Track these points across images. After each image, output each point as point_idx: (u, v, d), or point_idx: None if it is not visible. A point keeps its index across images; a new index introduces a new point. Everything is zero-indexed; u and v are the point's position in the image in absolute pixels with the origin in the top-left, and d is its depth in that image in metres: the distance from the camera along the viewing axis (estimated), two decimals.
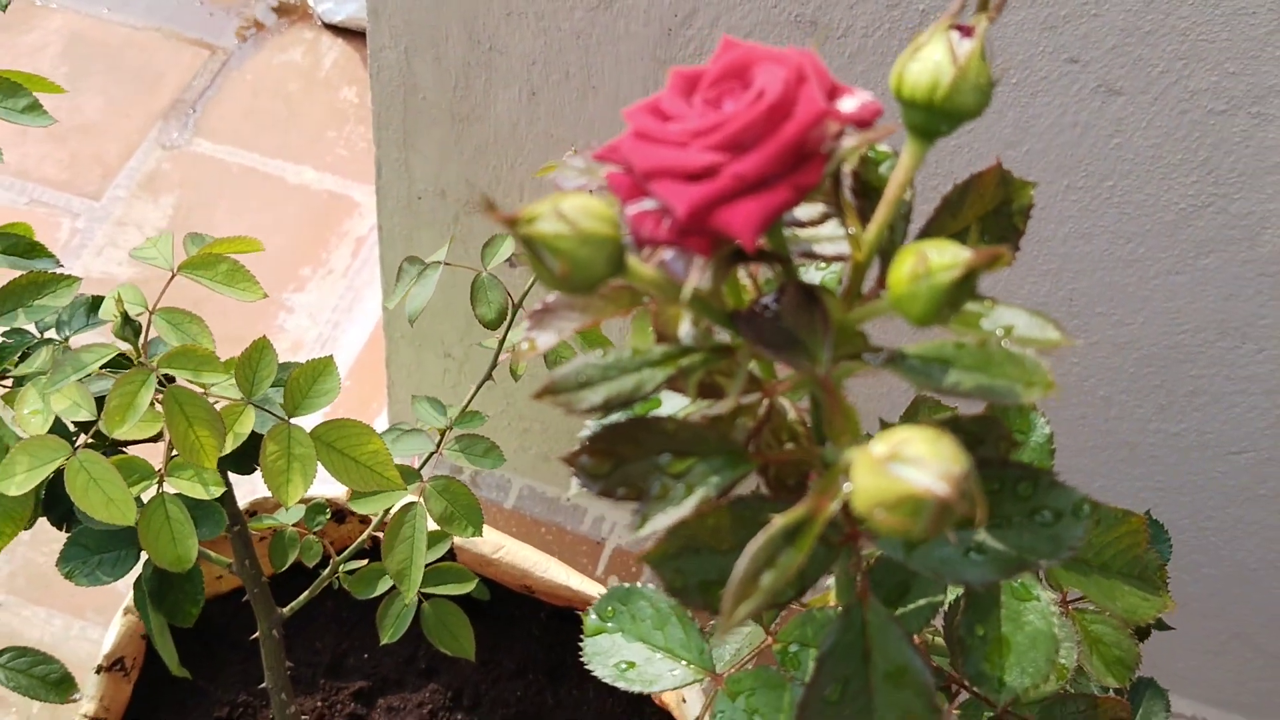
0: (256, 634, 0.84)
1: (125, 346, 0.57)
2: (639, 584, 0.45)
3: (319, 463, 0.63)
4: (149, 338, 0.65)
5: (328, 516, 0.85)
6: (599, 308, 0.32)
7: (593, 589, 1.00)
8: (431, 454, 0.81)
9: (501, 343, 0.81)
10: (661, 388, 0.31)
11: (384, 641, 0.82)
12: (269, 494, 0.93)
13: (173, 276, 0.61)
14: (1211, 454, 1.11)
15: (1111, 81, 0.89)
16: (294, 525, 0.85)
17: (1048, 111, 0.92)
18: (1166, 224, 0.95)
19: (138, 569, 0.71)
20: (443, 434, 0.81)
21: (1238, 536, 1.18)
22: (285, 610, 0.85)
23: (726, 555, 0.29)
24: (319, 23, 1.90)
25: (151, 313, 0.60)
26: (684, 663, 0.42)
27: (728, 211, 0.28)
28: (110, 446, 0.65)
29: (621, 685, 0.43)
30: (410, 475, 0.77)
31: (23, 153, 1.73)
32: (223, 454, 0.60)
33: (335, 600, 1.03)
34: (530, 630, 1.04)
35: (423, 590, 0.83)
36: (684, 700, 0.94)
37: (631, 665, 0.43)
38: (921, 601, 0.37)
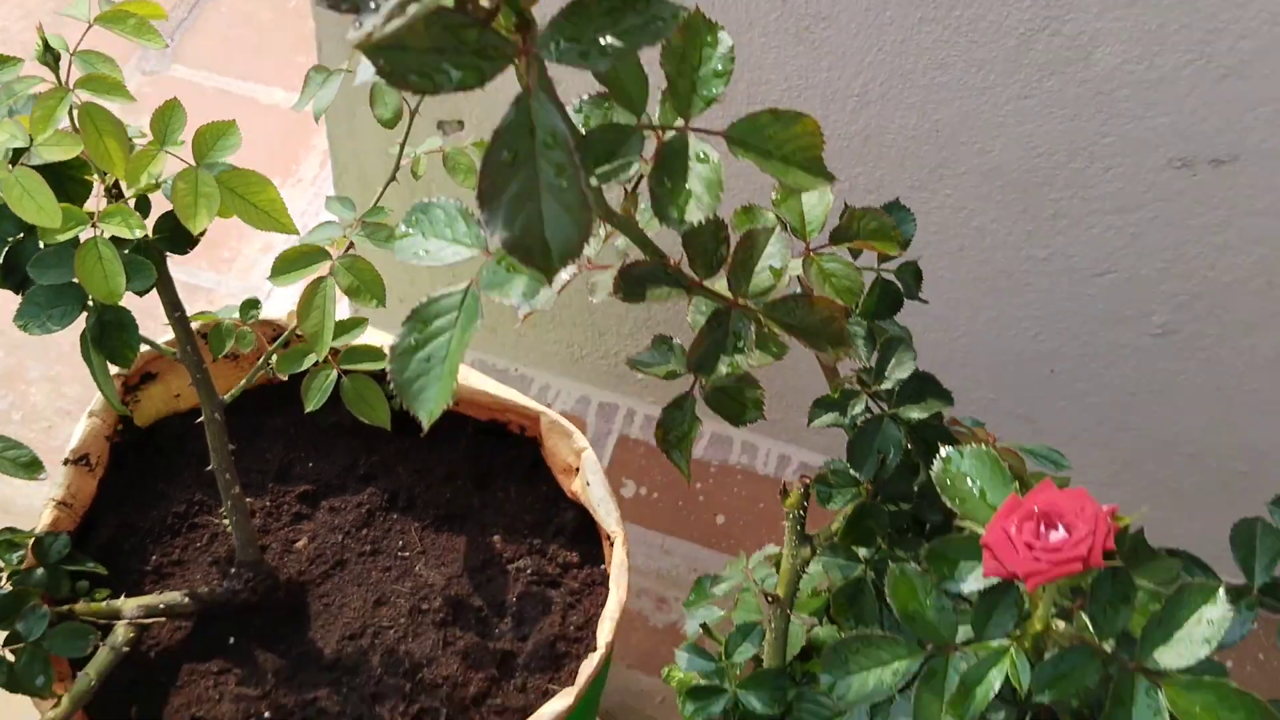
0: (202, 418, 0.96)
1: (50, 77, 0.69)
2: (433, 199, 0.57)
3: (225, 205, 0.75)
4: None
5: (260, 310, 0.97)
6: None
7: (509, 395, 1.12)
8: (347, 246, 0.92)
9: (402, 146, 0.93)
10: None
11: (308, 409, 0.94)
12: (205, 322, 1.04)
13: (89, 27, 0.73)
14: (1079, 277, 1.21)
15: None
16: (231, 320, 0.97)
17: None
18: (1010, 49, 1.06)
19: (80, 322, 0.83)
20: (353, 226, 0.93)
21: (1115, 362, 1.28)
22: (225, 396, 0.97)
23: (424, 53, 0.41)
24: None
25: (72, 55, 0.72)
26: (466, 246, 0.54)
27: None
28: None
29: (416, 261, 0.55)
30: (321, 254, 0.89)
31: None
32: (140, 190, 0.72)
33: (282, 417, 1.15)
34: (458, 444, 1.16)
35: (342, 367, 0.95)
36: (588, 484, 1.06)
37: (429, 252, 0.54)
38: (620, 161, 0.49)
